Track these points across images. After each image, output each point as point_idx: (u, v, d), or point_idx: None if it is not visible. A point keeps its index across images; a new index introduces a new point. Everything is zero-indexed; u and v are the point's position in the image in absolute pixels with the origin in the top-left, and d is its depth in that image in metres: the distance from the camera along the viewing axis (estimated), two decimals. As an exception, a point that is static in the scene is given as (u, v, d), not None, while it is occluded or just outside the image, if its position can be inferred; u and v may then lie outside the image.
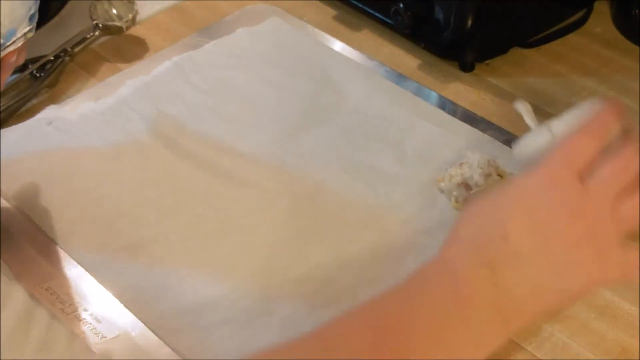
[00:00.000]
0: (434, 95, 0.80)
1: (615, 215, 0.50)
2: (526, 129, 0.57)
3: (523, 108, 0.58)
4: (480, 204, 0.52)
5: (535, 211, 0.50)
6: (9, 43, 0.53)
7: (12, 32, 0.53)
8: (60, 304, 0.60)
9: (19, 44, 0.54)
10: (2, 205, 0.68)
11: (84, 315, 0.60)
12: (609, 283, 0.53)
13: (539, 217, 0.50)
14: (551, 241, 0.49)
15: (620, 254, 0.51)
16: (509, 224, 0.50)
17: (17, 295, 0.38)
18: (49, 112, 0.77)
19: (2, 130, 0.75)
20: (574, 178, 0.50)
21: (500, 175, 0.67)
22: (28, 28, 0.54)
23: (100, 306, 0.61)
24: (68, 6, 0.91)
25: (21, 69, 0.82)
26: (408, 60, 0.85)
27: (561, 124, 0.53)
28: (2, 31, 0.52)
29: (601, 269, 0.50)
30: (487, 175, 0.67)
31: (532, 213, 0.50)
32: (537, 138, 0.54)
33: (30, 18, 0.55)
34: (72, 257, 0.64)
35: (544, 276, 0.50)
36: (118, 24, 0.86)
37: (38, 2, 0.55)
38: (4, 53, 0.53)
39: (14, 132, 0.75)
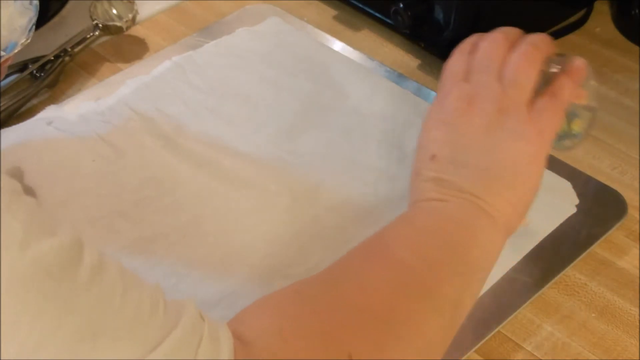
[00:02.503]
0: (434, 95, 0.80)
1: (506, 79, 0.54)
2: None
3: None
4: (421, 142, 0.58)
5: (439, 121, 0.56)
6: (9, 55, 0.53)
7: (14, 45, 0.53)
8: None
9: (18, 49, 0.55)
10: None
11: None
12: (534, 145, 0.54)
13: (444, 127, 0.55)
14: (464, 131, 0.54)
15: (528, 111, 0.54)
16: (429, 144, 0.56)
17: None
18: (49, 112, 0.77)
19: (2, 130, 0.75)
20: (458, 79, 0.56)
21: None
22: (26, 38, 0.55)
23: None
24: (68, 6, 0.91)
25: (21, 69, 0.82)
26: (408, 60, 0.85)
27: None
28: (3, 44, 0.52)
29: (521, 129, 0.53)
30: None
31: (438, 123, 0.56)
32: None
33: (30, 29, 0.55)
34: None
35: (478, 167, 0.53)
36: (118, 24, 0.86)
37: (37, 12, 0.55)
38: (2, 60, 0.53)
39: (14, 132, 0.75)
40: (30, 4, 0.54)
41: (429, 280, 0.49)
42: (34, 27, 0.55)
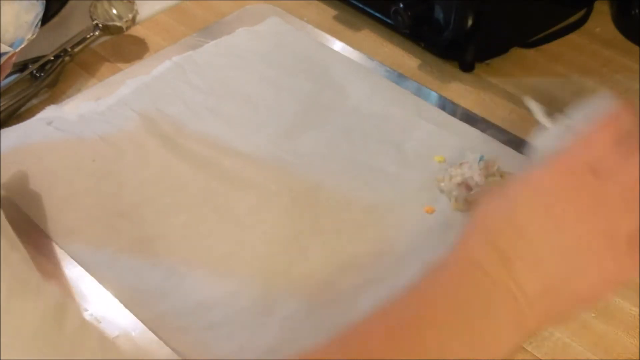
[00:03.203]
0: (434, 95, 0.80)
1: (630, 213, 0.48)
2: (530, 128, 0.57)
3: (534, 105, 0.57)
4: (494, 197, 0.50)
5: (550, 203, 0.48)
6: (16, 50, 0.53)
7: (20, 41, 0.53)
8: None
9: (24, 45, 0.55)
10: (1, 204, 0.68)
11: (84, 315, 0.59)
12: (620, 284, 0.50)
13: (553, 210, 0.48)
14: (565, 235, 0.48)
15: (634, 253, 0.49)
16: (523, 216, 0.48)
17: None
18: (49, 112, 0.77)
19: (2, 130, 0.75)
20: (589, 171, 0.48)
21: (501, 176, 0.67)
22: (32, 34, 0.55)
23: (100, 306, 0.61)
24: (68, 6, 0.91)
25: (21, 69, 0.82)
26: (408, 60, 0.85)
27: (577, 120, 0.53)
28: (9, 40, 0.52)
29: (616, 269, 0.48)
30: (487, 175, 0.67)
31: (546, 205, 0.48)
32: (554, 134, 0.54)
33: (36, 25, 0.55)
34: (72, 257, 0.64)
35: (557, 273, 0.48)
36: (118, 24, 0.86)
37: (44, 8, 0.55)
38: (4, 58, 0.53)
39: (14, 132, 0.75)
40: None
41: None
42: (40, 22, 0.55)
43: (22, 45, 0.54)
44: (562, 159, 0.50)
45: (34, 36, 0.55)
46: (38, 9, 0.55)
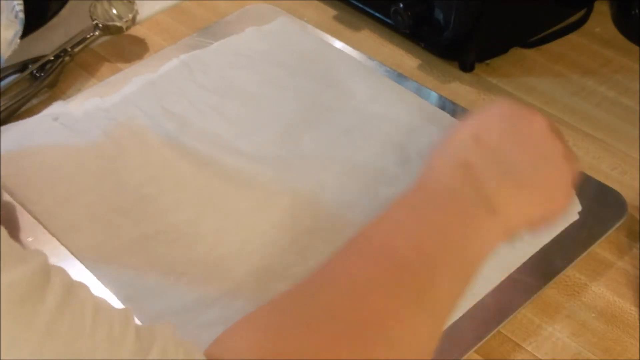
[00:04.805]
0: (434, 95, 0.80)
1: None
2: None
3: None
4: (450, 134, 0.55)
5: (502, 118, 0.55)
6: None
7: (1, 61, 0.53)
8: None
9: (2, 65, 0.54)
10: (3, 200, 0.68)
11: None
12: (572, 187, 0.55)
13: (504, 123, 0.54)
14: (517, 140, 0.53)
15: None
16: (479, 128, 0.54)
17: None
18: (55, 108, 0.77)
19: (8, 125, 0.75)
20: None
21: None
22: (11, 52, 0.54)
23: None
24: (68, 6, 0.91)
25: (21, 69, 0.82)
26: (408, 60, 0.85)
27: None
28: None
29: (567, 170, 0.54)
30: None
31: (499, 119, 0.54)
32: None
33: (14, 42, 0.54)
34: (71, 253, 0.64)
35: (516, 170, 0.52)
36: (118, 24, 0.86)
37: (23, 25, 0.55)
38: None
39: (19, 127, 0.75)
40: (16, 17, 0.54)
41: (424, 279, 0.47)
42: (18, 40, 0.55)
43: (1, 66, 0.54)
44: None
45: (12, 53, 0.55)
46: (17, 27, 0.54)
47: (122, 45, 0.88)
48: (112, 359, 0.37)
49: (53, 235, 0.66)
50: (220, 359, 0.41)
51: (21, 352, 0.35)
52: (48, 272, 0.38)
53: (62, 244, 0.65)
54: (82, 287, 0.39)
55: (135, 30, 0.88)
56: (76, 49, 0.85)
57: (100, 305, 0.39)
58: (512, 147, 0.53)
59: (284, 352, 0.42)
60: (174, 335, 0.41)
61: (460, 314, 0.61)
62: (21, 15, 0.54)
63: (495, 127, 0.54)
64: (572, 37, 0.87)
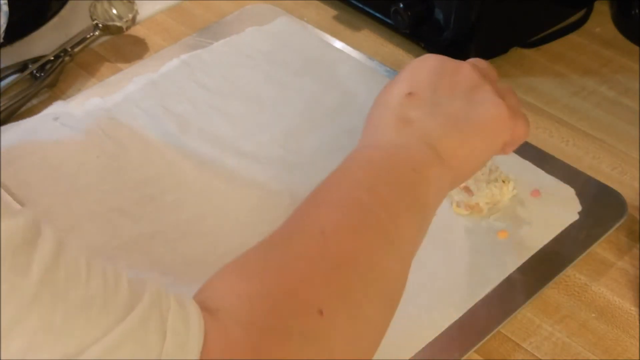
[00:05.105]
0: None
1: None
2: (532, 131, 0.57)
3: None
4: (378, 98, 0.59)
5: (430, 72, 0.57)
6: None
7: None
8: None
9: None
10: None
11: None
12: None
13: (433, 76, 0.56)
14: (447, 90, 0.56)
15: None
16: (410, 84, 0.56)
17: None
18: (56, 108, 0.77)
19: (8, 125, 0.75)
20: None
21: (503, 181, 0.67)
22: None
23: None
24: (68, 6, 0.91)
25: (21, 69, 0.82)
26: (408, 60, 0.85)
27: None
28: None
29: (499, 103, 0.56)
30: (489, 181, 0.67)
31: (428, 73, 0.57)
32: None
33: (0, 31, 0.54)
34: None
35: (452, 117, 0.55)
36: (118, 24, 0.86)
37: (7, 19, 0.54)
38: None
39: (20, 127, 0.75)
40: None
41: (386, 221, 0.49)
42: (3, 34, 0.55)
43: None
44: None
45: None
46: (1, 20, 0.54)
47: (122, 45, 0.88)
48: (108, 305, 0.38)
49: (53, 234, 0.66)
50: (206, 303, 0.43)
51: (18, 301, 0.36)
52: (39, 226, 0.39)
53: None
54: (71, 241, 0.40)
55: (135, 30, 0.88)
56: (76, 49, 0.85)
57: (91, 256, 0.40)
58: (443, 97, 0.56)
59: (265, 292, 0.44)
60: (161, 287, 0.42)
61: (460, 314, 0.61)
62: (5, 7, 0.54)
63: (425, 80, 0.56)
64: (572, 37, 0.87)
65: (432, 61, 0.58)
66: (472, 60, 0.60)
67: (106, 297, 0.39)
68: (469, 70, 0.57)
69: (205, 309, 0.43)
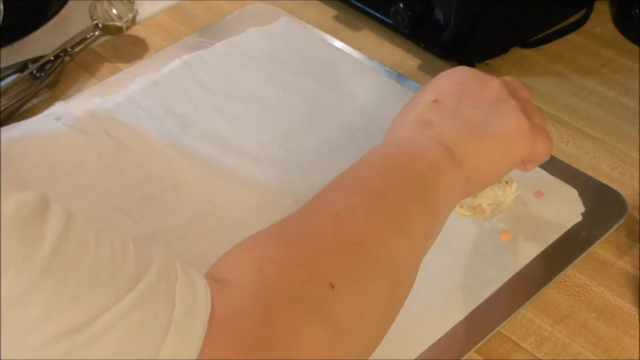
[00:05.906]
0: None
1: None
2: None
3: None
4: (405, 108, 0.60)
5: (459, 83, 0.59)
6: None
7: None
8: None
9: None
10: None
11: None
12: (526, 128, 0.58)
13: (461, 87, 0.59)
14: (473, 101, 0.58)
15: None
16: (437, 92, 0.58)
17: None
18: (57, 108, 0.77)
19: (9, 125, 0.75)
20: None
21: (506, 182, 0.67)
22: None
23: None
24: (68, 6, 0.91)
25: (21, 69, 0.82)
26: (408, 60, 0.85)
27: None
28: None
29: (518, 115, 0.57)
30: None
31: (456, 84, 0.59)
32: None
33: None
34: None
35: (474, 126, 0.56)
36: (118, 24, 0.86)
37: (2, 16, 0.55)
38: None
39: (21, 127, 0.75)
40: None
41: (399, 208, 0.50)
42: None
43: None
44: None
45: None
46: None
47: (122, 45, 0.88)
48: (117, 274, 0.39)
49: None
50: (217, 276, 0.45)
51: (31, 271, 0.37)
52: (47, 199, 0.40)
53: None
54: (77, 213, 0.41)
55: (135, 30, 0.88)
56: (76, 49, 0.85)
57: (98, 228, 0.41)
58: (466, 105, 0.57)
59: (277, 261, 0.45)
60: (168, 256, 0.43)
61: (464, 315, 0.61)
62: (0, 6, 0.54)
63: (452, 90, 0.58)
64: (572, 37, 0.87)
65: (462, 72, 0.60)
66: (505, 77, 0.61)
67: (115, 266, 0.39)
68: (497, 84, 0.59)
69: (215, 279, 0.44)
